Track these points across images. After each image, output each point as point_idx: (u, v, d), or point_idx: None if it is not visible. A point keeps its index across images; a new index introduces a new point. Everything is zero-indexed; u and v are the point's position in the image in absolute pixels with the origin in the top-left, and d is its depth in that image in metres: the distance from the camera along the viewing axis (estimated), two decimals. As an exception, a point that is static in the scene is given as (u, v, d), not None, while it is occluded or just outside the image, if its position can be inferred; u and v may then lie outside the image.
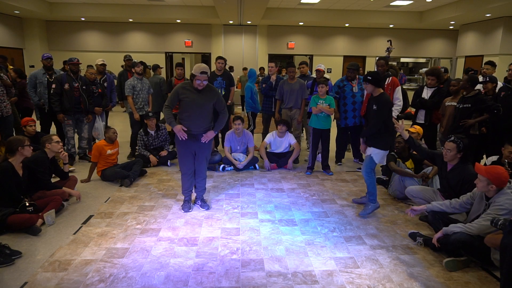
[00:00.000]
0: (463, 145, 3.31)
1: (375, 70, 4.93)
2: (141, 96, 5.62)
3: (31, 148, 3.53)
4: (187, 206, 3.81)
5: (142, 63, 5.81)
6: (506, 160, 3.60)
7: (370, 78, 3.53)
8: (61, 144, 3.95)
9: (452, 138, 3.37)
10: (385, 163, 3.63)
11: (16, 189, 3.33)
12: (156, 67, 6.94)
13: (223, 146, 5.58)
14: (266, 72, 11.06)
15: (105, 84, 5.93)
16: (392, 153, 4.25)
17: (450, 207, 3.08)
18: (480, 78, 4.85)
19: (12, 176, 3.31)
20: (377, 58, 4.99)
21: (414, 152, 4.45)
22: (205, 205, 3.87)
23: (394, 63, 14.23)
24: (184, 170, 3.76)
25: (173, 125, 3.58)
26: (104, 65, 6.00)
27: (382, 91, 3.60)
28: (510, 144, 3.62)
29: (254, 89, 6.00)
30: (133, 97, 5.56)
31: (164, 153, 5.46)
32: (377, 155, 3.61)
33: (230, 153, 5.38)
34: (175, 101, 3.60)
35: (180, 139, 3.60)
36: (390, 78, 4.84)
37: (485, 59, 7.00)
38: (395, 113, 4.85)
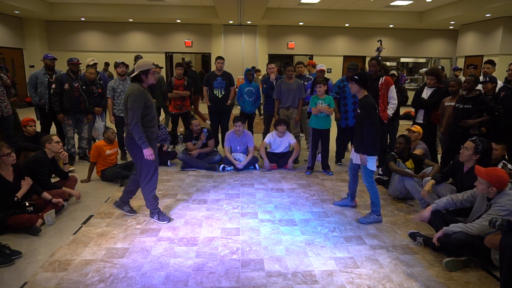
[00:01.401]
0: (482, 148, 3.27)
1: (369, 70, 4.94)
2: (122, 98, 5.44)
3: (13, 156, 3.30)
4: (164, 215, 3.54)
5: (124, 64, 5.68)
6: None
7: (357, 77, 3.38)
8: (61, 144, 3.96)
9: (474, 138, 3.34)
10: (375, 169, 3.57)
11: (7, 195, 3.20)
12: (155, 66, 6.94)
13: (223, 146, 5.59)
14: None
15: (101, 82, 5.91)
16: (392, 153, 4.25)
17: (452, 203, 3.08)
18: (481, 78, 4.86)
19: None
20: (370, 58, 5.00)
21: (414, 152, 4.46)
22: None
23: (394, 63, 14.30)
24: (156, 174, 3.47)
25: (145, 146, 3.20)
26: (96, 64, 5.93)
27: (366, 93, 3.46)
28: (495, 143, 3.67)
29: (245, 89, 5.88)
30: (113, 99, 5.45)
31: (164, 147, 5.46)
32: (369, 161, 3.47)
33: (230, 153, 5.38)
34: (140, 112, 3.19)
35: (148, 158, 3.29)
36: (384, 77, 4.85)
37: (485, 59, 7.00)
38: (390, 111, 4.85)
